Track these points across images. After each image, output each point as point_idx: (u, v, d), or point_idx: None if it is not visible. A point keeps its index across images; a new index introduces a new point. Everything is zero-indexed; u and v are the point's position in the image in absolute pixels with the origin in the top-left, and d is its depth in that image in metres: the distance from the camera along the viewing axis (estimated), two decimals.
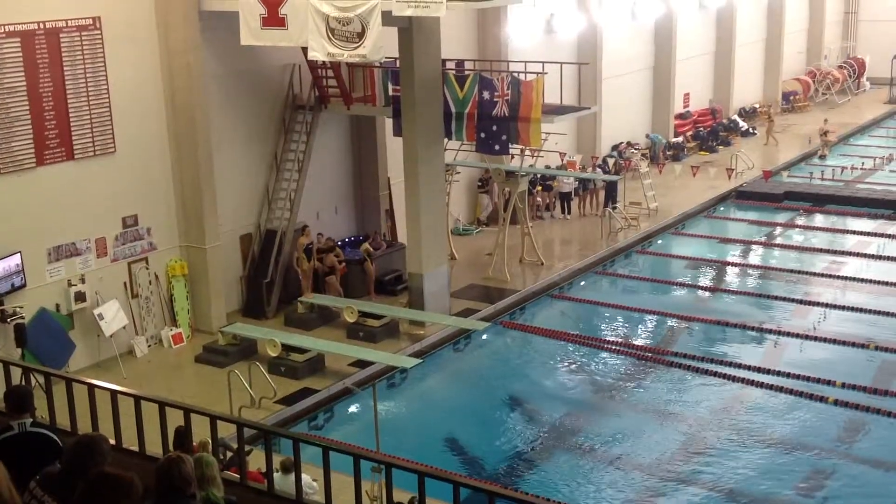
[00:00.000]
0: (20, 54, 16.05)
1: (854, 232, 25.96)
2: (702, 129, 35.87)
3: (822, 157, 33.41)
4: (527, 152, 21.91)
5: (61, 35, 16.61)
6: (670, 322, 20.36)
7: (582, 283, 22.81)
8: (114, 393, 8.45)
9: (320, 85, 20.82)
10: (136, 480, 5.11)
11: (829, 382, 16.82)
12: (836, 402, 16.22)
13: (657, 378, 17.74)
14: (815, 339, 18.99)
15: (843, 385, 16.73)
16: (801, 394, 16.57)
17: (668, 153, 32.93)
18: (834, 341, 18.72)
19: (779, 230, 26.96)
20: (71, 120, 16.90)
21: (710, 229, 27.01)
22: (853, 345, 18.51)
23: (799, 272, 23.01)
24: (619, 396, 17.20)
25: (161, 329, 18.63)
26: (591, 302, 21.72)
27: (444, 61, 19.99)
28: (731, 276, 23.69)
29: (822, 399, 16.37)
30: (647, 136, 33.12)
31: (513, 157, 22.99)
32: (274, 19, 17.13)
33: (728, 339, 19.28)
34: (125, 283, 18.11)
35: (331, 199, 22.30)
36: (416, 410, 17.21)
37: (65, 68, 16.70)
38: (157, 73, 18.19)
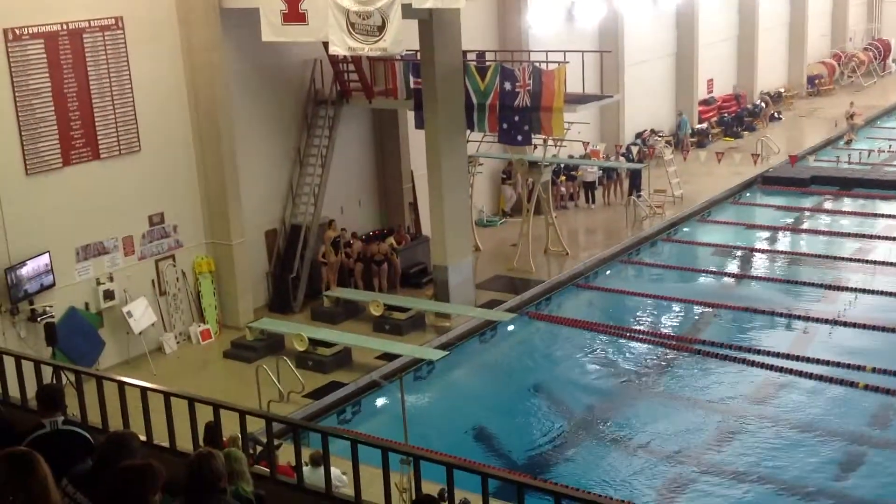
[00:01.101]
0: (44, 55, 16.18)
1: (883, 215, 25.68)
2: (726, 114, 35.60)
3: (849, 141, 33.06)
4: (550, 142, 21.83)
5: (84, 36, 16.73)
6: (697, 310, 20.24)
7: (607, 272, 22.72)
8: (144, 390, 8.51)
9: (342, 79, 20.84)
10: (155, 464, 5.17)
11: (859, 368, 16.67)
12: (866, 387, 16.08)
13: (685, 366, 17.66)
14: (845, 324, 18.82)
15: (874, 370, 16.57)
16: (830, 379, 16.44)
17: (692, 139, 32.71)
18: (863, 326, 18.55)
19: (806, 215, 26.73)
20: (96, 120, 17.02)
21: (737, 216, 26.82)
22: (883, 329, 18.32)
23: (827, 257, 22.81)
24: (647, 385, 17.13)
25: (189, 325, 18.76)
26: (617, 291, 21.63)
27: (464, 52, 19.95)
28: (759, 263, 23.51)
29: (852, 384, 16.24)
30: (681, 114, 32.84)
31: (536, 148, 22.91)
32: (294, 15, 17.15)
33: (756, 326, 19.15)
34: (153, 281, 18.25)
35: (354, 193, 22.34)
36: (444, 402, 17.22)
37: (88, 69, 16.83)
38: (180, 72, 18.29)
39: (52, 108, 16.38)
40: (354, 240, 21.06)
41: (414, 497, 7.71)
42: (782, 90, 39.48)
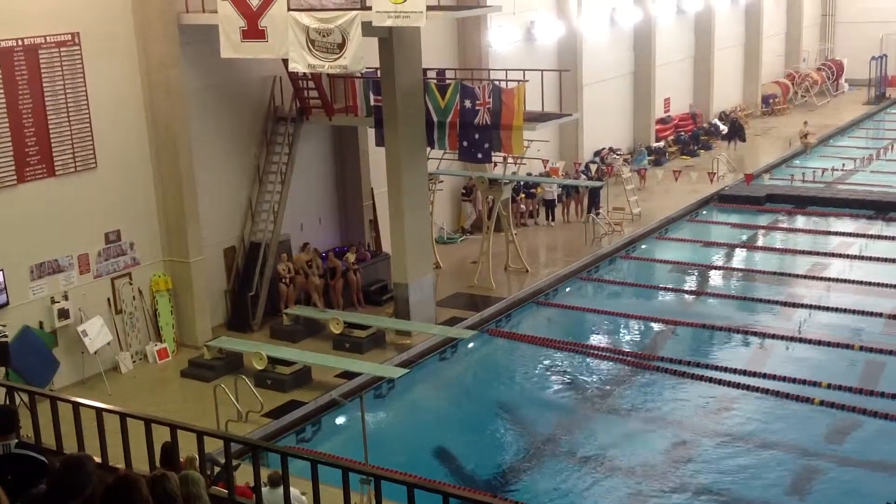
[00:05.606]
0: None
1: (836, 233, 26.11)
2: (683, 133, 36.03)
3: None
4: (509, 160, 21.94)
5: (40, 52, 16.54)
6: (656, 326, 20.40)
7: (567, 289, 22.83)
8: (99, 410, 8.39)
9: (301, 96, 20.79)
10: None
11: (814, 384, 16.89)
12: (822, 403, 16.28)
13: (644, 383, 17.77)
14: (800, 340, 19.06)
15: (829, 386, 16.79)
16: (786, 395, 16.63)
17: (649, 157, 32.95)
18: (819, 342, 18.81)
19: (761, 232, 27.11)
20: (51, 136, 16.80)
21: (694, 233, 27.12)
22: (838, 345, 18.59)
23: (782, 274, 23.12)
24: (607, 402, 17.20)
25: (146, 344, 18.53)
26: (577, 308, 21.74)
27: (425, 70, 20.01)
28: (716, 280, 23.77)
29: (808, 400, 16.42)
30: (641, 146, 33.12)
31: (496, 165, 23.02)
32: (254, 32, 17.12)
33: (713, 343, 19.34)
34: (109, 299, 18.02)
35: (314, 210, 22.26)
36: (404, 421, 17.17)
37: (44, 85, 16.62)
38: (138, 88, 18.13)
39: (7, 125, 16.15)
40: (317, 257, 20.96)
41: None
42: (738, 108, 39.95)
